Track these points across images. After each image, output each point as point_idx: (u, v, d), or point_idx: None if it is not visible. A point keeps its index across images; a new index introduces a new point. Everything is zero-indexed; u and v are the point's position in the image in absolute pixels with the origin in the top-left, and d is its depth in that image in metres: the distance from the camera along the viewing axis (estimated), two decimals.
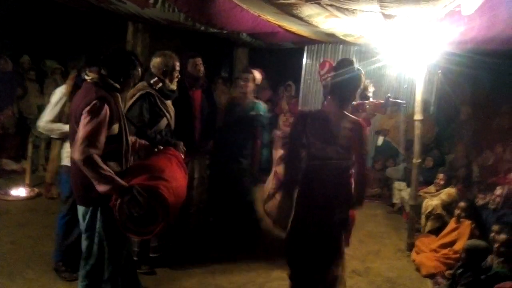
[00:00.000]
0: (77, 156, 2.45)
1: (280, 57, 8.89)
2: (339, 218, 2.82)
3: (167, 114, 3.62)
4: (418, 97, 4.67)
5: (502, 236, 3.62)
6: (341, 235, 2.91)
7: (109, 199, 2.53)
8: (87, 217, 2.70)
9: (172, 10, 4.18)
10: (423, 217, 5.12)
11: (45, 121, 3.51)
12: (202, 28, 5.10)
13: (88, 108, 2.50)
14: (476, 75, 6.48)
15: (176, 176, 2.83)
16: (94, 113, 2.50)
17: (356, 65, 2.91)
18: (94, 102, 2.51)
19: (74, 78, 3.54)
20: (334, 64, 3.02)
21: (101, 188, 2.47)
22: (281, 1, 3.45)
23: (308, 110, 3.08)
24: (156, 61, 3.63)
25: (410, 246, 4.72)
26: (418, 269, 4.31)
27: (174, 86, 3.70)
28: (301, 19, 4.09)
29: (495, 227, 3.76)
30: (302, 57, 8.58)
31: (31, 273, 3.62)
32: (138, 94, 3.47)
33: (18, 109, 6.87)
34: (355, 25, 4.15)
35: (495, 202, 4.48)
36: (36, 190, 5.62)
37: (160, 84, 3.57)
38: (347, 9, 3.41)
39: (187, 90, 4.08)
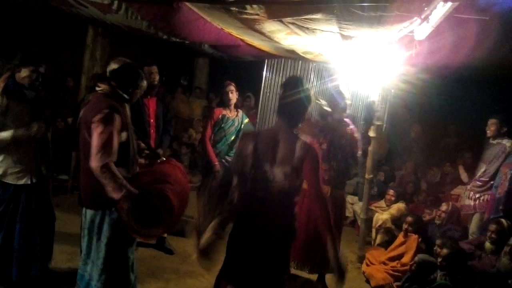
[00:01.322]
0: (95, 164, 2.57)
1: (240, 68, 8.99)
2: (281, 248, 2.54)
3: None
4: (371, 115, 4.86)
5: (444, 251, 3.83)
6: (284, 266, 2.65)
7: (116, 202, 2.66)
8: (96, 220, 2.79)
9: (135, 17, 4.16)
10: (373, 231, 5.31)
11: None
12: (165, 37, 5.10)
13: (99, 116, 2.62)
14: (426, 96, 6.82)
15: (180, 181, 2.97)
16: (107, 121, 2.62)
17: (305, 84, 2.61)
18: (106, 111, 2.64)
19: (6, 80, 3.17)
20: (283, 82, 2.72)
21: (115, 195, 2.60)
22: (244, 16, 3.53)
23: (253, 131, 2.68)
24: (113, 67, 3.62)
25: (361, 258, 4.88)
26: (368, 281, 4.46)
27: None
28: (263, 34, 4.18)
29: (438, 242, 3.98)
30: (262, 70, 8.70)
31: None
32: None
33: None
34: (315, 43, 4.30)
35: (440, 217, 4.72)
36: None
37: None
38: (307, 28, 3.54)
39: (142, 97, 4.08)
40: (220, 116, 4.62)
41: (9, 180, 3.21)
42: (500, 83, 5.93)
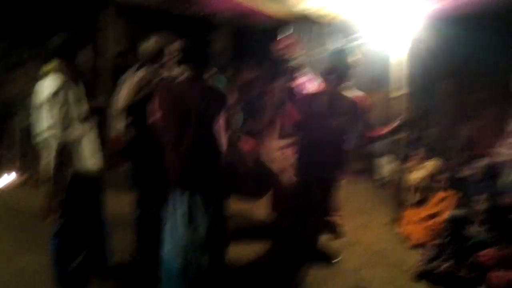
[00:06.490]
0: (225, 146, 2.81)
1: (254, 40, 8.84)
2: (334, 173, 3.75)
3: None
4: (398, 73, 4.70)
5: (481, 206, 3.76)
6: (334, 185, 3.80)
7: (224, 185, 2.91)
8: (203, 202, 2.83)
9: None
10: (408, 190, 5.20)
11: None
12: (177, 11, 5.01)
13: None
14: (455, 49, 6.54)
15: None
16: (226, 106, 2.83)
17: (346, 53, 3.51)
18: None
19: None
20: (329, 54, 3.65)
21: (242, 169, 3.13)
22: None
23: (312, 93, 3.72)
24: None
25: (398, 219, 4.81)
26: (406, 240, 4.40)
27: None
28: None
29: (476, 198, 3.89)
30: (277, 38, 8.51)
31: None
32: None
33: None
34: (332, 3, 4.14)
35: (478, 173, 4.58)
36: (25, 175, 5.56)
37: None
38: None
39: None
40: None
41: None
42: None
